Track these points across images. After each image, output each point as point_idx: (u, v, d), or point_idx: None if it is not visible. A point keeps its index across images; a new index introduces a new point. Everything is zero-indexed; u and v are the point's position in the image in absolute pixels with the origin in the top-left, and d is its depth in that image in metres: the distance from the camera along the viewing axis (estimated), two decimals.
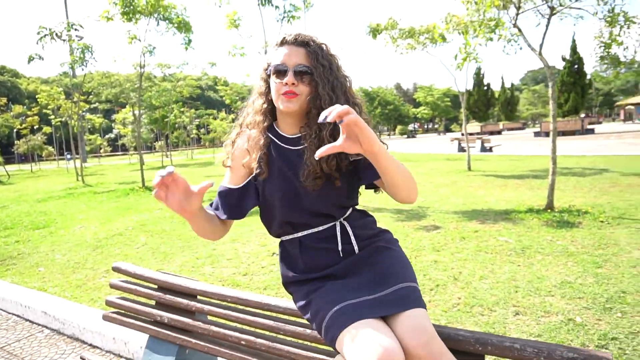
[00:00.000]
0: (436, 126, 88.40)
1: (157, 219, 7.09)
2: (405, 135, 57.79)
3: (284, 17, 7.94)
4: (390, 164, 1.17)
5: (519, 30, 5.44)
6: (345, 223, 1.44)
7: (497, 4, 5.21)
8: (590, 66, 37.36)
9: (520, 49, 5.40)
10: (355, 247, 1.42)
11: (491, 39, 5.17)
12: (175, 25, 10.31)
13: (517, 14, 5.38)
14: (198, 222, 1.30)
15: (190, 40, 10.58)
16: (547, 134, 29.06)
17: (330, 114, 1.02)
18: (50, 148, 32.02)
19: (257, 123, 1.47)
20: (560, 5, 5.33)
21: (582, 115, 37.60)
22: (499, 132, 43.16)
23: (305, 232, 1.43)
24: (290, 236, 1.46)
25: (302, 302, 1.40)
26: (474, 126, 41.40)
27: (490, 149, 19.50)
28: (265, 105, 1.47)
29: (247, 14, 8.95)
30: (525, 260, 3.84)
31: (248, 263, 4.33)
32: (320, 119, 1.04)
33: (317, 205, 1.39)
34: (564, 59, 33.10)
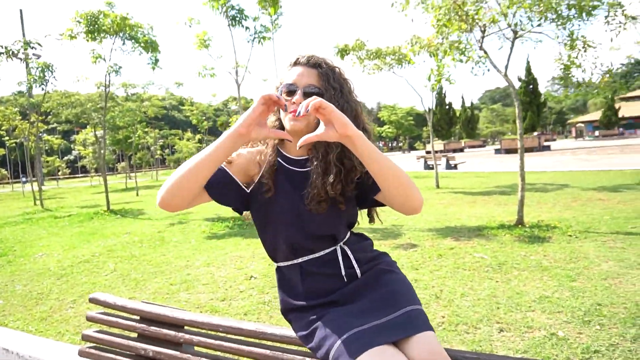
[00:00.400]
0: (400, 144, 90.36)
1: (125, 244, 6.82)
2: None
3: (254, 37, 7.96)
4: (370, 152, 1.14)
5: (485, 52, 5.66)
6: (346, 247, 1.41)
7: (464, 27, 5.41)
8: (543, 86, 39.34)
9: (488, 70, 5.61)
10: (358, 272, 1.39)
11: (461, 61, 5.35)
12: (142, 44, 10.14)
13: (483, 37, 5.60)
14: (216, 158, 1.18)
15: (157, 60, 10.41)
16: (507, 151, 30.16)
17: (307, 107, 1.07)
18: (3, 171, 30.55)
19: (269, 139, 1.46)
20: (522, 29, 5.59)
21: (538, 132, 39.39)
22: (461, 150, 44.54)
23: (306, 258, 1.39)
24: (290, 262, 1.41)
25: (304, 331, 1.35)
26: (438, 144, 42.50)
27: (455, 167, 20.00)
28: (277, 123, 1.45)
29: (217, 34, 8.92)
30: (503, 276, 3.90)
31: (225, 288, 4.20)
32: (299, 110, 1.10)
33: (320, 228, 1.36)
34: (520, 80, 34.69)
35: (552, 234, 5.23)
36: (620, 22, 4.65)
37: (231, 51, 8.17)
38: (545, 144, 32.48)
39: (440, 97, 46.08)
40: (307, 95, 1.32)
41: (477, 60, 5.40)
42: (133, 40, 10.14)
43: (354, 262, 1.40)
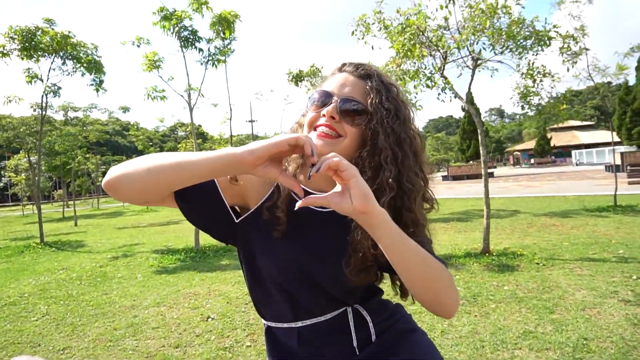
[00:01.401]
0: None
1: (61, 282, 6.07)
2: None
3: (208, 60, 7.61)
4: (394, 240, 0.84)
5: (446, 79, 5.66)
6: (360, 308, 1.09)
7: (425, 54, 5.39)
8: (482, 116, 41.51)
9: (455, 97, 5.59)
10: (373, 335, 1.08)
11: (428, 86, 5.30)
12: (84, 65, 9.49)
13: (444, 64, 5.61)
14: (197, 173, 0.85)
15: (101, 82, 9.77)
16: (454, 178, 31.15)
17: (321, 165, 0.76)
18: None
19: None
20: (479, 59, 5.66)
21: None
22: None
23: (308, 322, 1.06)
24: (285, 324, 1.07)
25: None
26: None
27: None
28: (294, 165, 1.10)
29: (168, 56, 8.50)
30: (480, 310, 3.71)
31: (179, 331, 3.72)
32: (311, 171, 0.77)
33: (334, 288, 1.03)
34: (463, 109, 36.35)
35: (519, 262, 5.17)
36: (574, 53, 4.80)
37: (183, 73, 7.78)
38: (490, 170, 33.99)
39: None
40: (344, 113, 1.00)
41: (442, 86, 5.37)
42: (75, 60, 9.46)
43: (370, 326, 1.08)
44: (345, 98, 0.99)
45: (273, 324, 1.10)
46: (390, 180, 0.96)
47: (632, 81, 29.32)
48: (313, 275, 1.01)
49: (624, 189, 12.65)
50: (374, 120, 0.99)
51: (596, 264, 4.82)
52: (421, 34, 5.13)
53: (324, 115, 0.98)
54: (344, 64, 1.08)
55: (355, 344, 1.05)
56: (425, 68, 5.33)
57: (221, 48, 7.61)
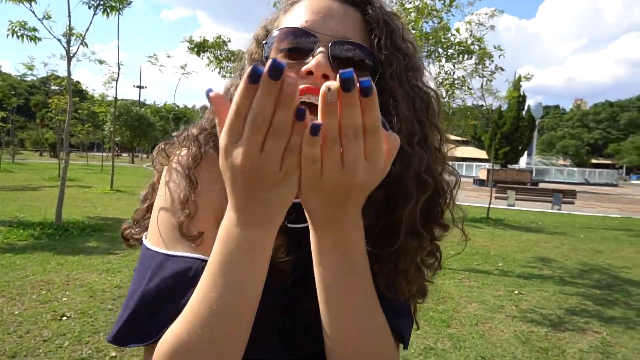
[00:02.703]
0: None
1: None
2: None
3: (98, 4, 6.41)
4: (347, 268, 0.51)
5: None
6: None
7: None
8: None
9: None
10: None
11: None
12: None
13: None
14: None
15: None
16: None
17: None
18: None
19: None
20: None
21: None
22: None
23: None
24: None
25: None
26: None
27: None
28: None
29: None
30: None
31: (19, 334, 2.93)
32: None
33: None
34: None
35: None
36: (491, 71, 4.94)
37: (64, 13, 6.40)
38: None
39: None
40: (339, 61, 0.58)
41: None
42: None
43: None
44: (339, 40, 0.59)
45: None
46: (423, 174, 0.58)
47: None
48: (305, 314, 0.62)
49: (492, 203, 13.99)
50: (388, 73, 0.61)
51: (482, 276, 5.02)
52: None
53: (307, 74, 0.56)
54: None
55: None
56: None
57: None
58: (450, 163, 0.66)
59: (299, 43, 0.58)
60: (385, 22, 0.61)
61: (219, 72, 11.39)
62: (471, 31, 4.62)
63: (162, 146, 0.71)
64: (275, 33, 0.60)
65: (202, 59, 10.65)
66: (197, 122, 0.74)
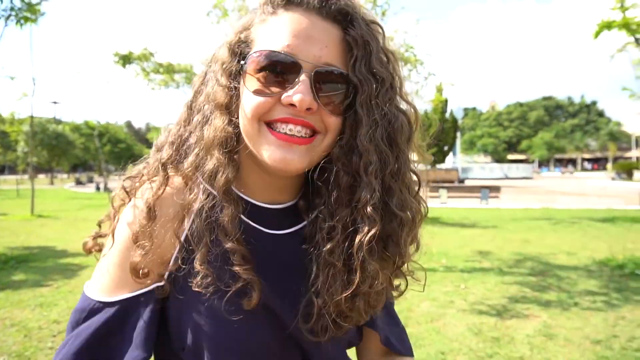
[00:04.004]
0: None
1: None
2: None
3: (9, 15, 5.88)
4: None
5: None
6: None
7: None
8: None
9: None
10: None
11: None
12: None
13: None
14: None
15: None
16: None
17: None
18: None
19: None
20: None
21: None
22: None
23: None
24: None
25: None
26: None
27: None
28: (230, 129, 0.63)
29: None
30: None
31: None
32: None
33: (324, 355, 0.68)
34: None
35: None
36: (424, 77, 5.18)
37: None
38: None
39: None
40: (325, 98, 0.59)
41: None
42: None
43: None
44: (321, 69, 0.59)
45: None
46: (369, 208, 0.60)
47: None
48: (295, 342, 0.66)
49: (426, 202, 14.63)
50: (359, 100, 0.61)
51: (429, 274, 5.17)
52: None
53: (290, 105, 0.58)
54: None
55: None
56: None
57: (31, 2, 5.98)
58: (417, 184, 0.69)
59: (281, 68, 0.58)
60: (365, 42, 0.61)
61: (147, 84, 10.95)
62: (404, 40, 4.84)
63: (123, 183, 0.68)
64: (255, 55, 0.60)
65: (127, 69, 10.18)
66: (162, 141, 0.71)
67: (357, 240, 0.60)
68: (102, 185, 25.84)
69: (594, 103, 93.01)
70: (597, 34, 4.84)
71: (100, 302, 0.60)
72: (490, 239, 7.85)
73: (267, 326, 0.63)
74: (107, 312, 0.60)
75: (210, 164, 0.61)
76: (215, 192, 0.61)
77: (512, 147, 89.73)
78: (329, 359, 0.69)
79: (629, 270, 5.13)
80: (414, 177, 0.68)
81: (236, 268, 0.59)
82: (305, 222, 0.69)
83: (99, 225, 0.70)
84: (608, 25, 4.58)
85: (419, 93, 5.60)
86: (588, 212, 12.01)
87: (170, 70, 10.21)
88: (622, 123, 65.89)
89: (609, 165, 58.50)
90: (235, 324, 0.59)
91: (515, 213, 12.14)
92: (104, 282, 0.61)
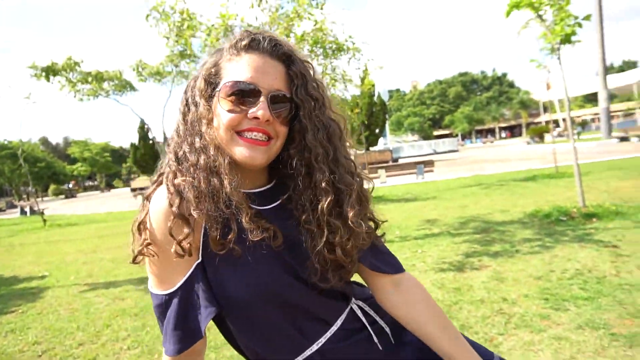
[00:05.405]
0: (96, 183, 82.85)
1: None
2: (63, 196, 50.83)
3: None
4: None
5: None
6: (360, 303, 1.04)
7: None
8: None
9: None
10: (386, 327, 1.04)
11: None
12: None
13: None
14: None
15: None
16: None
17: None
18: None
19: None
20: None
21: None
22: None
23: (323, 339, 0.93)
24: (300, 356, 0.92)
25: None
26: (144, 180, 40.62)
27: None
28: (214, 135, 0.91)
29: None
30: None
31: None
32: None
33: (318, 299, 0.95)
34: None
35: None
36: (364, 63, 5.56)
37: None
38: None
39: (143, 132, 44.48)
40: (277, 113, 0.88)
41: None
42: None
43: (377, 318, 1.04)
44: (275, 94, 0.87)
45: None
46: (324, 184, 0.90)
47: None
48: (302, 284, 0.91)
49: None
50: (302, 114, 0.91)
51: (388, 244, 5.63)
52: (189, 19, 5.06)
53: (254, 118, 0.84)
54: (252, 39, 0.89)
55: (376, 338, 0.99)
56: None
57: None
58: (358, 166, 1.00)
59: (247, 94, 0.85)
60: (302, 74, 0.91)
61: (75, 96, 10.49)
62: (343, 31, 5.21)
63: (148, 192, 0.89)
64: (229, 83, 0.85)
65: (52, 83, 9.70)
66: (168, 157, 0.91)
67: (319, 207, 0.88)
68: (27, 209, 24.06)
69: (504, 75, 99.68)
70: (507, 13, 5.47)
71: (167, 294, 0.84)
72: (433, 208, 8.51)
73: (287, 271, 0.89)
74: (176, 298, 0.83)
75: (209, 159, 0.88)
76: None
77: (436, 123, 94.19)
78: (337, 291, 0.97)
79: (555, 218, 5.90)
80: (349, 162, 0.97)
81: (256, 222, 0.84)
82: (280, 200, 0.95)
83: (137, 233, 0.86)
84: (517, 5, 5.21)
85: (348, 78, 5.99)
86: (512, 174, 13.21)
87: (99, 78, 9.86)
88: (530, 92, 71.21)
89: (524, 131, 63.33)
90: (261, 267, 0.85)
91: (449, 183, 13.07)
92: (161, 279, 0.84)
